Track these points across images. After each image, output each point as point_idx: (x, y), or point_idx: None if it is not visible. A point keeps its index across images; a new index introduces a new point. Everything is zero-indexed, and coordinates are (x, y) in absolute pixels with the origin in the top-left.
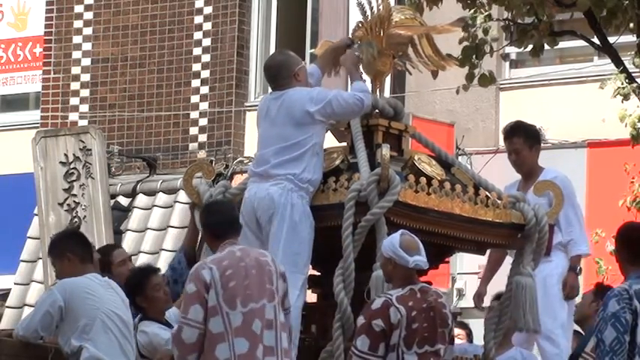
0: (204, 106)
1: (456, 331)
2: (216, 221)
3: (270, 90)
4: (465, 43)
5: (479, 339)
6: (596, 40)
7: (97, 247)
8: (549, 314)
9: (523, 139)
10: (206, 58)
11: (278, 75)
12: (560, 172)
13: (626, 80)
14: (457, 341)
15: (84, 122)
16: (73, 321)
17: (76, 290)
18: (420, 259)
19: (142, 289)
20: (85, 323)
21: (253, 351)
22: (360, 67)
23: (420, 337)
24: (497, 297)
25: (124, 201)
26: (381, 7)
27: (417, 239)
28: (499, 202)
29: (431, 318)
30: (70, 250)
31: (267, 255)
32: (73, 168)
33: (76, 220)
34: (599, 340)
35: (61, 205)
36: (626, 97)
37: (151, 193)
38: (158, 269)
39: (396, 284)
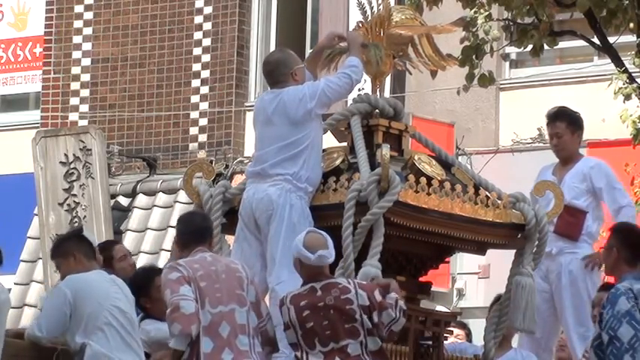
0: (204, 106)
1: (456, 331)
2: (184, 231)
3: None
4: (466, 43)
5: (479, 339)
6: (596, 40)
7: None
8: (578, 318)
9: (566, 124)
10: (206, 58)
11: (276, 71)
12: (598, 160)
13: (627, 80)
14: (457, 342)
15: (84, 122)
16: (78, 317)
17: (82, 286)
18: (323, 253)
19: (147, 290)
20: (89, 320)
21: (218, 353)
22: (363, 51)
23: (322, 335)
24: (497, 300)
25: (124, 201)
26: (381, 7)
27: (325, 235)
28: (499, 202)
29: (331, 315)
30: (75, 249)
31: (237, 263)
32: (73, 168)
33: (76, 220)
34: (612, 338)
35: (61, 205)
36: (627, 97)
37: (151, 193)
38: (162, 270)
39: (303, 282)
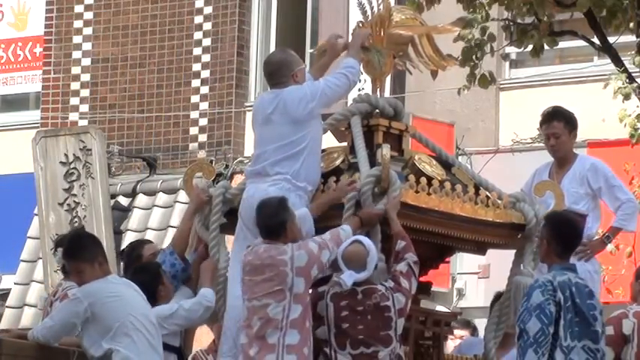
0: (204, 106)
1: (459, 332)
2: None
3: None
4: (463, 43)
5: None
6: (596, 40)
7: None
8: None
9: (563, 124)
10: (206, 58)
11: (277, 72)
12: (594, 159)
13: (627, 80)
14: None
15: (84, 122)
16: (102, 325)
17: (101, 296)
18: (344, 278)
19: (162, 279)
20: (117, 327)
21: (247, 347)
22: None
23: (354, 338)
24: (497, 297)
25: (124, 201)
26: (381, 7)
27: (367, 247)
28: (499, 202)
29: (368, 321)
30: (101, 254)
31: (286, 252)
32: (73, 168)
33: (76, 220)
34: (522, 331)
35: (61, 205)
36: (627, 96)
37: (151, 193)
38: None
39: None
